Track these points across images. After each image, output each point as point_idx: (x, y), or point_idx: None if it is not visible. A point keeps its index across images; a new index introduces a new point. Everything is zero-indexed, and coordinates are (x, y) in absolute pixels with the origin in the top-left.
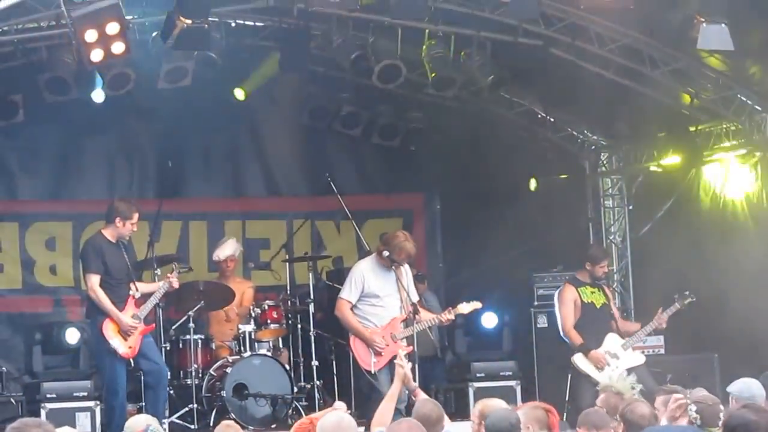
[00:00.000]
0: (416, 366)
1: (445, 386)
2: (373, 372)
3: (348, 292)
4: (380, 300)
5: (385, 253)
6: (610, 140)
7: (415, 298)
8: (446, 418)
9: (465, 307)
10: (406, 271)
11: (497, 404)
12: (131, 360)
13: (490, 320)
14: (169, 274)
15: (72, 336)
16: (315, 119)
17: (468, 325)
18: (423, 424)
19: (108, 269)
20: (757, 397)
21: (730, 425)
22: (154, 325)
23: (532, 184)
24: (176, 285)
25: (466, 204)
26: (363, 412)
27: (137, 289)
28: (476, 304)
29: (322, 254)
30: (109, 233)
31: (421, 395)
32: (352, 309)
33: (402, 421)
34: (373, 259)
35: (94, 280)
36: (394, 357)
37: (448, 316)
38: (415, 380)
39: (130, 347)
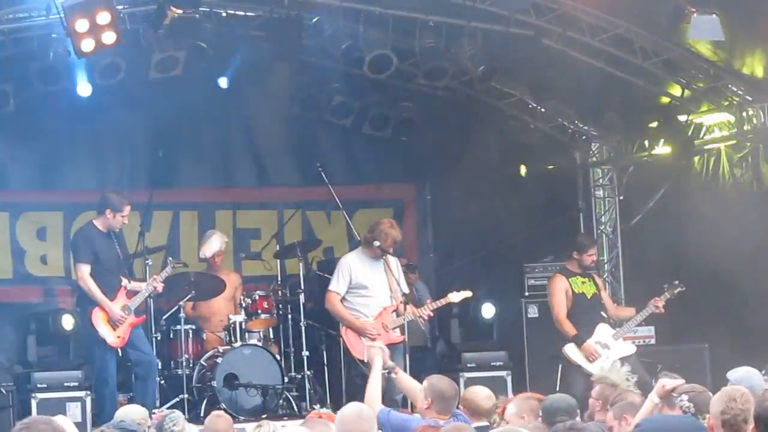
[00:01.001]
0: (407, 356)
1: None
2: (365, 361)
3: (335, 284)
4: (368, 290)
5: (376, 243)
6: (601, 130)
7: (405, 290)
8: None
9: (455, 296)
10: (395, 263)
11: (479, 392)
12: (119, 350)
13: (488, 311)
14: (155, 275)
15: (67, 322)
16: (306, 109)
17: (463, 315)
18: (439, 400)
19: (99, 258)
20: (756, 387)
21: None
22: (144, 317)
23: (522, 170)
24: (160, 289)
25: (457, 194)
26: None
27: (129, 281)
28: (466, 293)
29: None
30: (99, 223)
31: (401, 373)
32: (341, 301)
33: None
34: (360, 250)
35: (84, 269)
36: (387, 346)
37: (426, 312)
38: (406, 370)
39: (118, 337)
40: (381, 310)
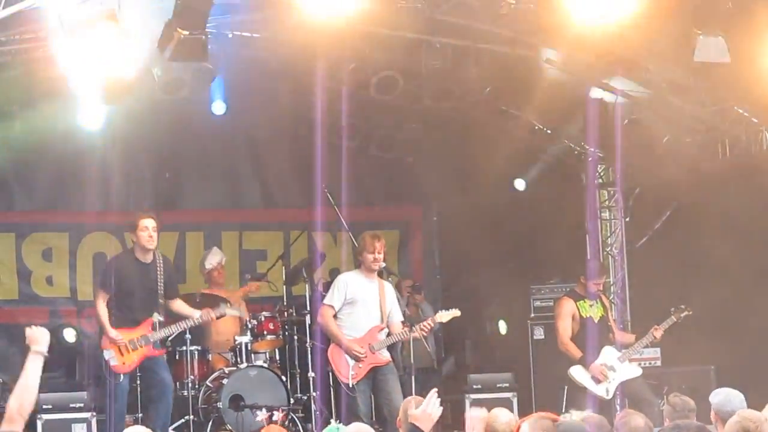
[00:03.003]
0: (413, 377)
1: (442, 397)
2: (351, 385)
3: (330, 298)
4: (360, 306)
5: (384, 266)
6: (607, 152)
7: (399, 317)
8: None
9: (444, 315)
10: (389, 290)
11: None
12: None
13: (504, 328)
14: (212, 310)
15: (69, 335)
16: (312, 130)
17: (478, 335)
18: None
19: (120, 288)
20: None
21: None
22: (165, 350)
23: (519, 184)
24: (214, 317)
25: (464, 216)
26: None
27: (161, 314)
28: (455, 312)
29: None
30: (137, 250)
31: None
32: (334, 317)
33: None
34: (357, 271)
35: (97, 293)
36: (373, 368)
37: (425, 328)
38: (411, 391)
39: (123, 363)
40: (369, 330)
